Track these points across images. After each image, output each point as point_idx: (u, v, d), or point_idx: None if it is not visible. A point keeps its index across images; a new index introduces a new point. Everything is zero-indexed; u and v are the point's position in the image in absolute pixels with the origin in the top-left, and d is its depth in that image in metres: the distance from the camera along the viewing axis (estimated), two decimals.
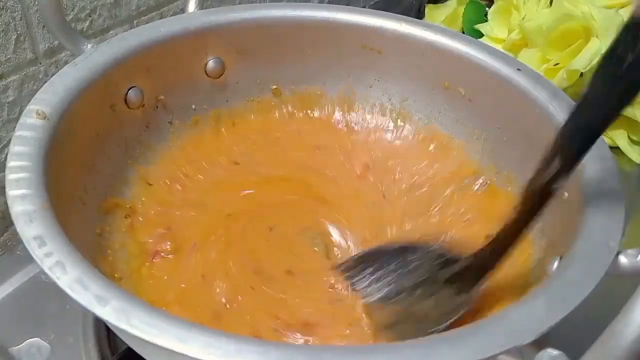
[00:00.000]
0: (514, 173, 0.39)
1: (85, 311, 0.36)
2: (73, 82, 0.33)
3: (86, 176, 0.34)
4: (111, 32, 0.47)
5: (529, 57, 0.53)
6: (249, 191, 0.41)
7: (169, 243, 0.36)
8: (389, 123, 0.46)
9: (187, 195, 0.40)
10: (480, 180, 0.41)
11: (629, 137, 0.53)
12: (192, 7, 0.42)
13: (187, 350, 0.21)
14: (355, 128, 0.46)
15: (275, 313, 0.32)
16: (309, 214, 0.39)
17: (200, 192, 0.40)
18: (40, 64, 0.43)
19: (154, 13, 0.50)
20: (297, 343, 0.31)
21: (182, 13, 0.43)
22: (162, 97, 0.41)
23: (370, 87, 0.45)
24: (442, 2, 0.67)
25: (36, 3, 0.41)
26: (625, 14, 0.50)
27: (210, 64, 0.42)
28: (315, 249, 0.37)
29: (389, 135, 0.45)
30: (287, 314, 0.32)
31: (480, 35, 0.61)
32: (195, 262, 0.35)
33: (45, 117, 0.31)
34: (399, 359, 0.21)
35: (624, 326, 0.19)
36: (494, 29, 0.59)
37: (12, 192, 0.27)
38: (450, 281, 0.30)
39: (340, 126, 0.46)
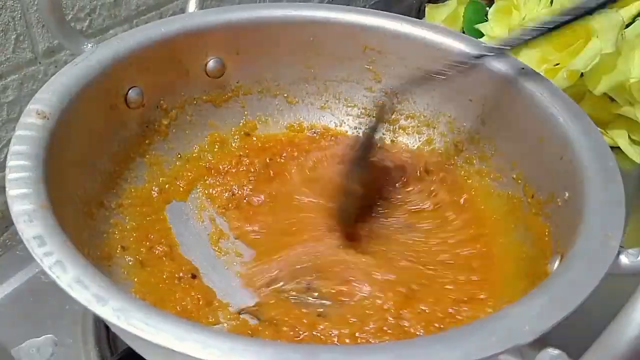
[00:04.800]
0: (515, 173, 0.39)
1: (85, 311, 0.37)
2: (73, 82, 0.33)
3: (86, 175, 0.34)
4: (111, 31, 0.47)
5: (529, 57, 0.53)
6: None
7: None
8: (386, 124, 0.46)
9: None
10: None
11: (629, 136, 0.53)
12: (192, 6, 0.42)
13: (185, 349, 0.21)
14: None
15: None
16: None
17: None
18: (40, 63, 0.43)
19: (153, 13, 0.50)
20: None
21: (181, 13, 0.43)
22: (163, 96, 0.41)
23: (371, 87, 0.45)
24: (442, 2, 0.67)
25: (36, 2, 0.41)
26: (625, 14, 0.50)
27: (211, 63, 0.42)
28: None
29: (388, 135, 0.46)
30: None
31: (481, 35, 0.61)
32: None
33: (45, 117, 0.31)
34: (399, 358, 0.21)
35: (624, 325, 0.19)
36: (495, 28, 0.59)
37: (12, 192, 0.27)
38: None
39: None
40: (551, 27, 0.34)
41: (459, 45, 0.41)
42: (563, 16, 0.34)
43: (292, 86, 0.46)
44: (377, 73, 0.45)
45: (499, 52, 0.37)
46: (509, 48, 0.36)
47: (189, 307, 0.33)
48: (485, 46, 0.39)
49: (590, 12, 0.34)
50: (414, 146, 0.45)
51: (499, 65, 0.39)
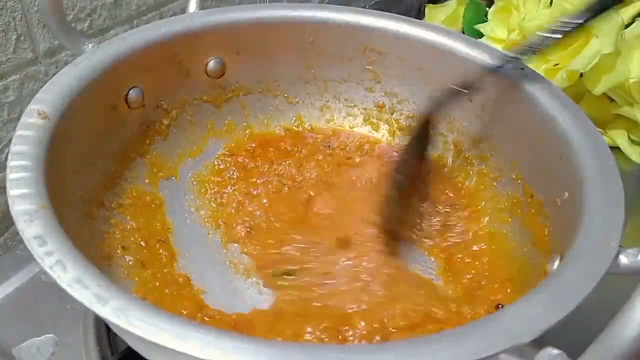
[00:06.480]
0: (514, 173, 0.39)
1: (85, 310, 0.37)
2: (74, 82, 0.33)
3: (87, 175, 0.34)
4: (111, 32, 0.47)
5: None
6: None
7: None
8: (386, 125, 0.46)
9: None
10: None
11: (628, 137, 0.53)
12: (192, 7, 0.42)
13: (185, 348, 0.21)
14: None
15: None
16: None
17: None
18: (41, 63, 0.43)
19: (154, 13, 0.50)
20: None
21: (182, 13, 0.43)
22: (163, 97, 0.41)
23: (370, 87, 0.45)
24: (442, 3, 0.67)
25: (36, 3, 0.41)
26: (624, 15, 0.50)
27: (211, 64, 0.42)
28: None
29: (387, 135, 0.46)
30: None
31: (481, 35, 0.61)
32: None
33: (46, 117, 0.31)
34: (398, 358, 0.21)
35: (623, 325, 0.19)
36: (494, 29, 0.59)
37: (12, 192, 0.27)
38: None
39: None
40: (566, 30, 0.34)
41: (459, 46, 0.41)
42: (574, 20, 0.34)
43: (292, 86, 0.46)
44: (377, 73, 0.45)
45: (516, 60, 0.37)
46: (525, 56, 0.37)
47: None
48: (504, 55, 0.39)
49: (597, 14, 0.34)
50: None
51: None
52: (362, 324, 0.32)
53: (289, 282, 0.35)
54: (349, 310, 0.33)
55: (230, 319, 0.32)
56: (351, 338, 0.31)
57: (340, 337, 0.32)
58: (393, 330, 0.32)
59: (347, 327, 0.32)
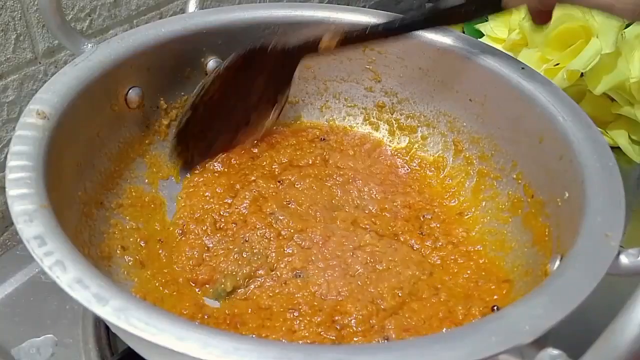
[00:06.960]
0: (515, 173, 0.39)
1: (85, 310, 0.37)
2: (73, 82, 0.33)
3: (86, 176, 0.34)
4: (111, 31, 0.47)
5: (529, 57, 0.53)
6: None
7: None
8: (386, 124, 0.46)
9: None
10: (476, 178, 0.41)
11: (629, 136, 0.53)
12: (192, 7, 0.42)
13: (186, 349, 0.21)
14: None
15: None
16: None
17: None
18: (40, 63, 0.43)
19: (153, 13, 0.50)
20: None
21: (181, 13, 0.43)
22: (163, 97, 0.41)
23: (370, 87, 0.45)
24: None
25: (36, 3, 0.41)
26: None
27: (211, 64, 0.42)
28: None
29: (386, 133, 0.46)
30: None
31: (481, 35, 0.61)
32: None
33: (46, 117, 0.31)
34: (398, 358, 0.21)
35: (624, 325, 0.19)
36: (495, 28, 0.59)
37: (12, 192, 0.27)
38: None
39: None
40: None
41: (459, 46, 0.41)
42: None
43: (292, 86, 0.46)
44: (377, 73, 0.45)
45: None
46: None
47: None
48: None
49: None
50: (413, 146, 0.45)
51: (497, 65, 0.39)
52: (357, 308, 0.32)
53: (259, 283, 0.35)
54: (339, 299, 0.33)
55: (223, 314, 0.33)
56: (353, 322, 0.32)
57: (337, 326, 0.32)
58: (384, 309, 0.33)
59: (341, 316, 0.32)
